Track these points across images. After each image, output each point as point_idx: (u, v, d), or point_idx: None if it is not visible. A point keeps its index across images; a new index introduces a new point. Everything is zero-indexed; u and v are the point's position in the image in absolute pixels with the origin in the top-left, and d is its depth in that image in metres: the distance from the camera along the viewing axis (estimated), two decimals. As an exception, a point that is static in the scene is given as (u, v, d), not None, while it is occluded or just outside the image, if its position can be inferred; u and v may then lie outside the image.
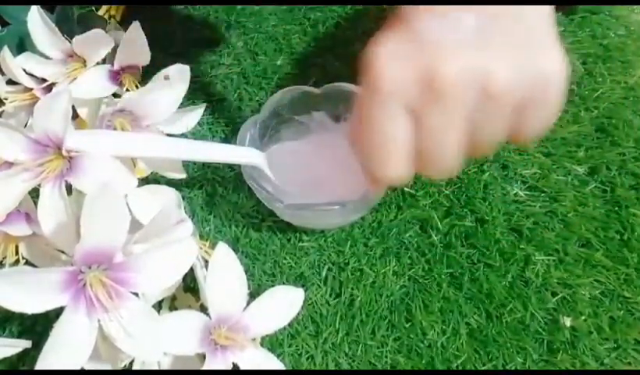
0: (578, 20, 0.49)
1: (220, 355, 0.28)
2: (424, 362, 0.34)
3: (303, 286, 0.35)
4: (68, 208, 0.28)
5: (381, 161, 0.26)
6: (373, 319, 0.36)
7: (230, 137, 0.43)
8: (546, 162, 0.41)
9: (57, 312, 0.25)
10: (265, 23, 0.49)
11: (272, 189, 0.34)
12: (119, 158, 0.29)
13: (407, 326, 0.35)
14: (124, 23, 0.42)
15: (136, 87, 0.36)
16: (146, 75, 0.37)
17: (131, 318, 0.26)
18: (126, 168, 0.29)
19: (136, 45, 0.36)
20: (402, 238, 0.38)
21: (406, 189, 0.40)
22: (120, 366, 0.28)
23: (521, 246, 0.38)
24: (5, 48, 0.34)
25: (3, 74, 0.36)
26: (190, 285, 0.33)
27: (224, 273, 0.29)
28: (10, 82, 0.36)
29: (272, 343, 0.35)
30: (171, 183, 0.37)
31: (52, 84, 0.36)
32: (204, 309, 0.29)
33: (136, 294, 0.26)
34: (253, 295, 0.30)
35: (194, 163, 0.41)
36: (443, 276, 0.37)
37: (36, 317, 0.29)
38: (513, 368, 0.34)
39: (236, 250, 0.31)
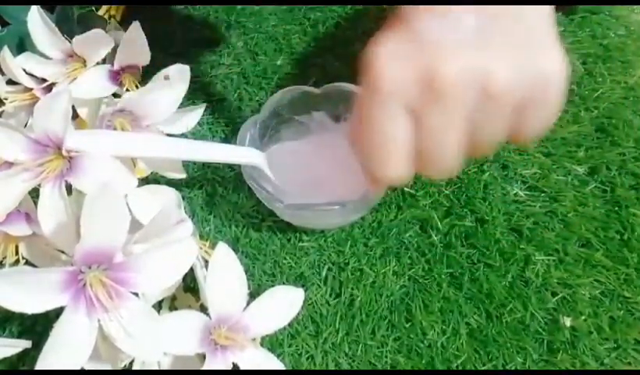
0: (578, 20, 0.49)
1: (220, 355, 0.28)
2: (424, 362, 0.34)
3: (303, 286, 0.35)
4: (68, 208, 0.28)
5: (381, 161, 0.26)
6: (373, 319, 0.36)
7: (230, 137, 0.43)
8: (546, 162, 0.41)
9: (57, 312, 0.25)
10: (265, 23, 0.49)
11: (272, 189, 0.34)
12: (119, 158, 0.29)
13: (407, 326, 0.35)
14: (124, 23, 0.42)
15: (136, 87, 0.36)
16: (146, 75, 0.37)
17: (131, 318, 0.26)
18: (126, 168, 0.29)
19: (136, 45, 0.36)
20: (402, 238, 0.38)
21: (406, 189, 0.40)
22: (120, 366, 0.28)
23: (521, 246, 0.38)
24: (5, 48, 0.34)
25: (3, 74, 0.36)
26: (190, 285, 0.33)
27: (224, 273, 0.29)
28: (10, 82, 0.36)
29: (272, 343, 0.35)
30: (171, 183, 0.37)
31: (52, 84, 0.36)
32: (204, 309, 0.29)
33: (136, 294, 0.26)
34: (253, 295, 0.30)
35: (194, 163, 0.41)
36: (443, 276, 0.37)
37: (36, 317, 0.29)
38: (513, 368, 0.34)
39: (236, 250, 0.31)
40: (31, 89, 0.35)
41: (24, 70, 0.35)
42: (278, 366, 0.30)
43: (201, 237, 0.36)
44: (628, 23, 0.49)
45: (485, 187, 0.40)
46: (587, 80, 0.45)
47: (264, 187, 0.34)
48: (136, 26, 0.35)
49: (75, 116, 0.35)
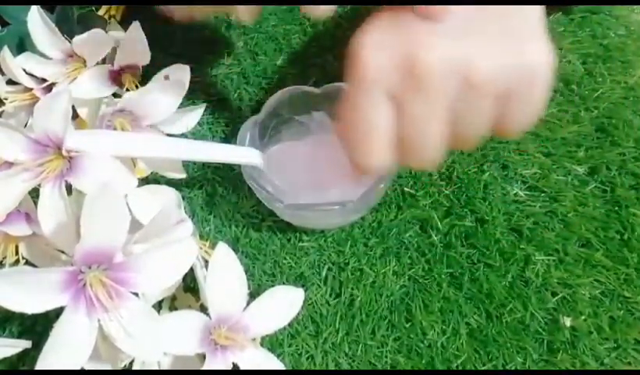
0: (578, 20, 0.48)
1: (220, 355, 0.28)
2: (424, 362, 0.34)
3: (303, 286, 0.35)
4: (68, 208, 0.28)
5: (364, 149, 0.26)
6: (373, 319, 0.36)
7: (230, 137, 0.43)
8: (546, 162, 0.41)
9: (57, 312, 0.25)
10: (265, 23, 0.49)
11: (272, 189, 0.34)
12: (119, 158, 0.29)
13: (407, 326, 0.35)
14: (124, 23, 0.42)
15: (136, 87, 0.36)
16: (146, 75, 0.37)
17: (131, 318, 0.26)
18: (126, 168, 0.29)
19: (136, 45, 0.36)
20: (402, 238, 0.38)
21: (406, 189, 0.40)
22: (120, 366, 0.28)
23: (521, 246, 0.38)
24: (5, 48, 0.34)
25: (3, 74, 0.36)
26: (190, 285, 0.34)
27: (224, 273, 0.29)
28: (10, 82, 0.36)
29: (272, 343, 0.35)
30: (171, 183, 0.37)
31: (52, 84, 0.36)
32: (204, 309, 0.29)
33: (136, 294, 0.26)
34: (253, 295, 0.30)
35: (194, 163, 0.41)
36: (443, 276, 0.37)
37: (36, 317, 0.29)
38: (513, 368, 0.34)
39: (236, 250, 0.31)
40: (31, 89, 0.35)
41: (24, 70, 0.35)
42: (278, 366, 0.30)
43: (201, 237, 0.36)
44: (628, 23, 0.49)
45: (485, 187, 0.40)
46: (587, 80, 0.45)
47: (264, 187, 0.34)
48: (136, 26, 0.35)
49: (75, 116, 0.35)
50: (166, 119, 0.35)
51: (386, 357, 0.34)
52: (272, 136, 0.38)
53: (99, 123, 0.34)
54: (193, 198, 0.40)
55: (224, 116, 0.44)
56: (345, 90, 0.26)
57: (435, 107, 0.24)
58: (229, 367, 0.28)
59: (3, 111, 0.36)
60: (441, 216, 0.39)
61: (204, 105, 0.40)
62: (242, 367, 0.29)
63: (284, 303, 0.31)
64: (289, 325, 0.32)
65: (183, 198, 0.35)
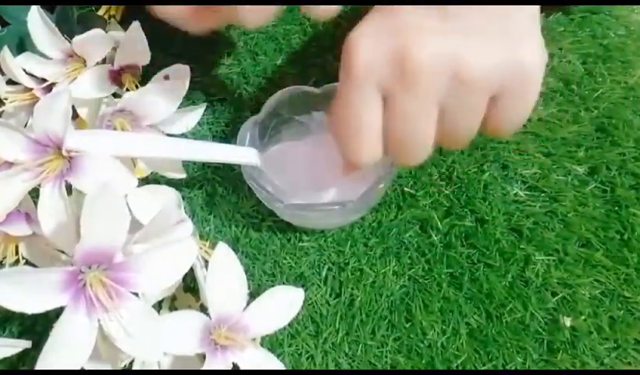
0: (578, 20, 0.48)
1: (220, 355, 0.28)
2: (424, 362, 0.34)
3: (303, 286, 0.35)
4: (68, 208, 0.28)
5: (355, 145, 0.26)
6: (373, 319, 0.36)
7: (230, 137, 0.43)
8: (546, 162, 0.41)
9: (57, 312, 0.25)
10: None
11: (272, 189, 0.34)
12: (119, 158, 0.29)
13: (407, 326, 0.35)
14: (124, 23, 0.42)
15: (136, 87, 0.36)
16: (146, 75, 0.37)
17: (131, 318, 0.26)
18: (126, 168, 0.29)
19: (136, 45, 0.36)
20: (402, 238, 0.38)
21: (406, 189, 0.40)
22: (120, 366, 0.28)
23: (521, 246, 0.38)
24: (5, 48, 0.34)
25: (3, 74, 0.36)
26: (190, 285, 0.33)
27: (224, 273, 0.29)
28: (10, 82, 0.36)
29: (272, 343, 0.35)
30: (171, 183, 0.37)
31: (52, 84, 0.36)
32: (204, 309, 0.29)
33: (136, 294, 0.26)
34: (253, 295, 0.30)
35: (194, 163, 0.41)
36: (443, 276, 0.37)
37: (36, 317, 0.29)
38: (513, 368, 0.34)
39: (236, 250, 0.31)
40: (31, 89, 0.35)
41: (24, 70, 0.35)
42: (278, 366, 0.30)
43: (201, 237, 0.36)
44: (628, 23, 0.49)
45: (485, 187, 0.40)
46: (587, 80, 0.45)
47: (264, 187, 0.34)
48: (136, 26, 0.35)
49: (75, 116, 0.35)
50: (166, 119, 0.35)
51: (386, 357, 0.34)
52: (272, 136, 0.38)
53: (99, 123, 0.34)
54: (193, 198, 0.40)
55: (224, 116, 0.44)
56: (338, 86, 0.26)
57: (425, 103, 0.24)
58: (229, 367, 0.28)
59: (3, 111, 0.36)
60: (441, 216, 0.39)
61: (204, 105, 0.40)
62: (242, 367, 0.29)
63: (284, 303, 0.31)
64: (289, 325, 0.32)
65: (183, 198, 0.35)
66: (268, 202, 0.35)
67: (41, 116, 0.29)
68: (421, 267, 0.37)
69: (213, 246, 0.30)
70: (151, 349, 0.26)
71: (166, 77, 0.36)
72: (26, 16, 0.35)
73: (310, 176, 0.36)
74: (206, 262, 0.30)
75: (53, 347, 0.25)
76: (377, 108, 0.25)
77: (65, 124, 0.28)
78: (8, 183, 0.28)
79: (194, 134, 0.42)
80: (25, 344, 0.30)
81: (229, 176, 0.41)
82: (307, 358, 0.35)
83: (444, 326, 0.35)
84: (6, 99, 0.35)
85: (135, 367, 0.29)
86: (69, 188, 0.29)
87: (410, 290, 0.37)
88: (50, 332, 0.25)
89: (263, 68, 0.46)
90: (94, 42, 0.35)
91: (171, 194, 0.33)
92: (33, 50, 0.36)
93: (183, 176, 0.38)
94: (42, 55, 0.36)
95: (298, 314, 0.31)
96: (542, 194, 0.40)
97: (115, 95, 0.37)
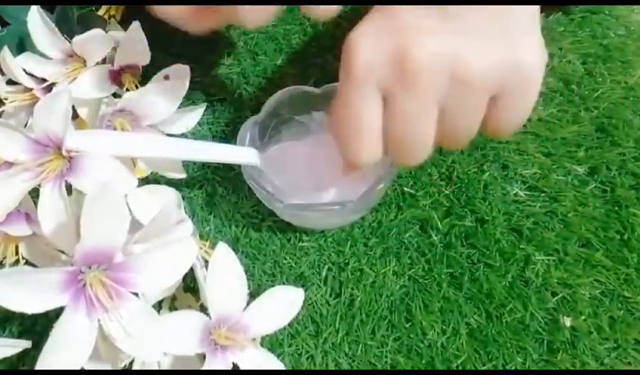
0: (578, 20, 0.48)
1: (220, 355, 0.28)
2: (424, 362, 0.34)
3: (303, 286, 0.35)
4: (68, 208, 0.28)
5: (355, 144, 0.26)
6: (373, 319, 0.36)
7: (230, 137, 0.43)
8: (546, 162, 0.41)
9: (57, 312, 0.25)
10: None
11: (272, 189, 0.34)
12: (119, 158, 0.29)
13: (407, 326, 0.35)
14: (124, 23, 0.42)
15: (136, 87, 0.36)
16: (146, 75, 0.37)
17: (131, 318, 0.26)
18: (126, 168, 0.29)
19: (136, 45, 0.36)
20: (402, 238, 0.38)
21: (406, 189, 0.40)
22: (120, 366, 0.28)
23: (521, 246, 0.38)
24: (5, 48, 0.34)
25: (3, 74, 0.36)
26: (190, 285, 0.33)
27: (224, 273, 0.29)
28: (10, 82, 0.36)
29: (272, 343, 0.35)
30: (171, 183, 0.37)
31: (52, 84, 0.36)
32: (204, 309, 0.29)
33: (136, 294, 0.26)
34: (253, 295, 0.30)
35: (194, 163, 0.41)
36: (443, 276, 0.37)
37: (36, 317, 0.29)
38: (513, 368, 0.34)
39: (236, 250, 0.31)
40: (31, 89, 0.35)
41: (24, 70, 0.35)
42: (278, 366, 0.30)
43: (201, 237, 0.36)
44: (628, 23, 0.49)
45: (485, 187, 0.40)
46: (587, 80, 0.45)
47: (264, 187, 0.34)
48: (136, 26, 0.35)
49: (75, 116, 0.35)
50: (166, 119, 0.35)
51: (386, 357, 0.34)
52: (272, 136, 0.38)
53: (99, 123, 0.34)
54: (193, 198, 0.40)
55: (224, 116, 0.44)
56: (337, 86, 0.26)
57: (424, 103, 0.24)
58: (229, 367, 0.28)
59: (3, 111, 0.36)
60: (441, 216, 0.39)
61: (204, 105, 0.40)
62: (242, 367, 0.29)
63: (284, 303, 0.31)
64: (289, 325, 0.32)
65: (183, 198, 0.35)
66: (268, 202, 0.35)
67: (41, 116, 0.29)
68: (421, 267, 0.37)
69: (213, 246, 0.30)
70: (151, 349, 0.26)
71: (166, 77, 0.36)
72: (26, 16, 0.35)
73: (310, 176, 0.36)
74: (206, 262, 0.30)
75: (53, 347, 0.25)
76: (377, 108, 0.25)
77: (65, 124, 0.28)
78: (8, 183, 0.28)
79: (194, 134, 0.42)
80: (25, 344, 0.30)
81: (229, 176, 0.41)
82: (307, 358, 0.35)
83: (444, 326, 0.35)
84: (6, 99, 0.35)
85: (135, 367, 0.29)
86: (69, 188, 0.29)
87: (410, 290, 0.37)
88: (50, 332, 0.25)
89: (263, 68, 0.46)
90: (94, 42, 0.35)
91: (171, 194, 0.33)
92: (33, 50, 0.36)
93: (183, 176, 0.38)
94: (42, 55, 0.36)
95: (298, 314, 0.31)
96: (542, 194, 0.40)
97: (115, 95, 0.37)
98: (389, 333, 0.35)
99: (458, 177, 0.40)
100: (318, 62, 0.46)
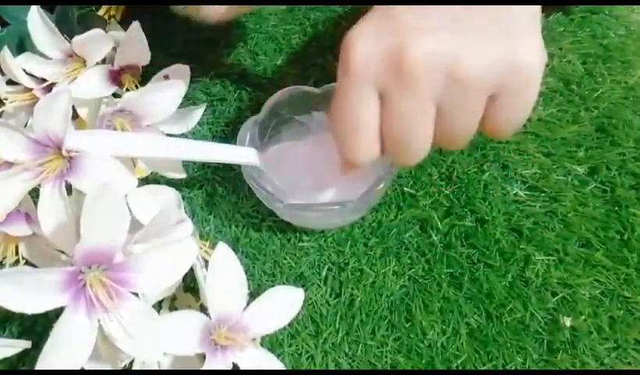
0: (578, 20, 0.49)
1: (220, 355, 0.28)
2: (424, 362, 0.34)
3: (303, 286, 0.35)
4: (68, 208, 0.28)
5: (352, 143, 0.26)
6: (373, 319, 0.36)
7: (230, 137, 0.43)
8: (546, 162, 0.41)
9: (57, 312, 0.25)
10: (265, 23, 0.49)
11: (272, 189, 0.34)
12: (119, 158, 0.29)
13: (407, 326, 0.35)
14: (124, 23, 0.42)
15: (136, 87, 0.36)
16: (146, 75, 0.37)
17: (131, 318, 0.26)
18: (126, 168, 0.29)
19: (136, 45, 0.36)
20: (402, 238, 0.38)
21: (406, 189, 0.40)
22: (120, 366, 0.28)
23: (521, 246, 0.38)
24: (5, 48, 0.34)
25: (3, 74, 0.36)
26: (190, 285, 0.33)
27: (224, 273, 0.29)
28: (10, 82, 0.36)
29: (272, 343, 0.35)
30: (171, 183, 0.37)
31: (52, 84, 0.36)
32: (204, 309, 0.29)
33: (136, 294, 0.26)
34: (253, 295, 0.30)
35: (194, 163, 0.41)
36: (443, 276, 0.37)
37: (36, 317, 0.29)
38: (513, 368, 0.34)
39: (236, 250, 0.31)
40: (31, 89, 0.35)
41: (24, 70, 0.35)
42: (278, 366, 0.30)
43: (201, 237, 0.36)
44: (628, 23, 0.49)
45: (485, 187, 0.40)
46: (587, 80, 0.45)
47: (264, 187, 0.34)
48: (136, 26, 0.35)
49: (75, 116, 0.35)
50: (166, 119, 0.35)
51: (386, 357, 0.34)
52: (272, 136, 0.38)
53: (99, 123, 0.34)
54: (193, 198, 0.40)
55: (224, 116, 0.44)
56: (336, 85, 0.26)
57: (421, 102, 0.24)
58: (229, 367, 0.28)
59: (3, 111, 0.36)
60: (441, 216, 0.39)
61: (204, 105, 0.40)
62: (242, 367, 0.29)
63: (284, 303, 0.31)
64: (289, 325, 0.32)
65: (183, 198, 0.35)
66: (268, 202, 0.35)
67: (41, 116, 0.29)
68: (421, 267, 0.37)
69: (213, 246, 0.30)
70: (151, 349, 0.26)
71: (166, 77, 0.36)
72: (26, 16, 0.35)
73: (310, 176, 0.36)
74: (206, 262, 0.30)
75: (53, 347, 0.25)
76: (374, 106, 0.25)
77: (65, 124, 0.28)
78: (8, 183, 0.28)
79: (194, 134, 0.42)
80: (25, 344, 0.30)
81: (229, 176, 0.41)
82: (307, 358, 0.35)
83: (444, 326, 0.35)
84: (6, 99, 0.35)
85: (135, 367, 0.29)
86: (69, 188, 0.29)
87: (410, 290, 0.37)
88: (50, 332, 0.25)
89: (263, 68, 0.46)
90: (94, 42, 0.35)
91: (171, 194, 0.33)
92: (33, 50, 0.36)
93: (183, 176, 0.38)
94: (42, 55, 0.36)
95: (298, 314, 0.31)
96: (542, 194, 0.40)
97: (115, 95, 0.37)
98: (389, 333, 0.35)
99: (458, 177, 0.40)
100: (318, 62, 0.46)
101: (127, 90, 0.36)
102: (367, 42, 0.24)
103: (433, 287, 0.36)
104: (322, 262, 0.38)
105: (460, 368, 0.34)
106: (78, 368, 0.25)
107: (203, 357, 0.28)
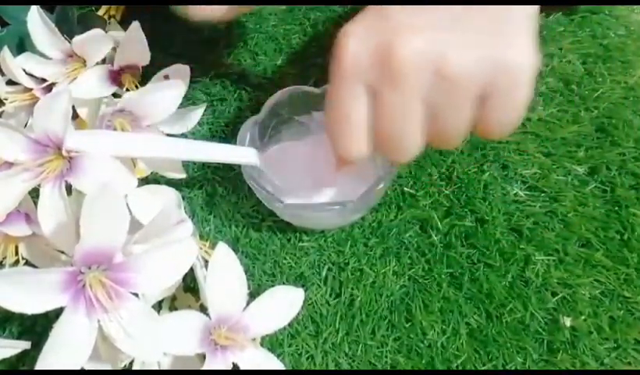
0: (578, 20, 0.48)
1: (220, 355, 0.28)
2: (424, 362, 0.34)
3: (303, 286, 0.35)
4: (68, 208, 0.28)
5: (344, 140, 0.26)
6: (373, 319, 0.36)
7: (230, 137, 0.43)
8: (546, 162, 0.41)
9: (57, 312, 0.25)
10: (265, 23, 0.49)
11: (272, 189, 0.34)
12: (118, 158, 0.29)
13: (407, 326, 0.35)
14: (124, 23, 0.42)
15: (136, 87, 0.36)
16: (146, 75, 0.37)
17: (131, 318, 0.26)
18: (126, 168, 0.29)
19: (136, 45, 0.36)
20: (402, 238, 0.38)
21: (406, 189, 0.40)
22: (120, 366, 0.28)
23: (521, 246, 0.38)
24: (5, 48, 0.34)
25: (3, 74, 0.36)
26: (190, 285, 0.33)
27: (224, 273, 0.29)
28: (10, 82, 0.36)
29: (272, 343, 0.35)
30: (171, 183, 0.37)
31: (52, 84, 0.36)
32: (204, 309, 0.29)
33: (136, 295, 0.26)
34: (253, 295, 0.30)
35: (194, 163, 0.41)
36: (443, 276, 0.37)
37: (36, 317, 0.29)
38: (513, 368, 0.34)
39: (236, 250, 0.31)
40: (31, 89, 0.35)
41: (24, 70, 0.35)
42: (278, 366, 0.30)
43: (201, 237, 0.36)
44: (628, 23, 0.49)
45: (485, 187, 0.40)
46: (587, 80, 0.45)
47: (264, 187, 0.34)
48: (136, 26, 0.35)
49: (75, 116, 0.35)
50: (166, 119, 0.35)
51: (386, 357, 0.34)
52: (272, 136, 0.38)
53: (99, 123, 0.34)
54: (193, 198, 0.40)
55: (224, 116, 0.44)
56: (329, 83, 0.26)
57: (410, 100, 0.24)
58: (229, 367, 0.28)
59: (3, 111, 0.36)
60: (441, 216, 0.39)
61: (204, 105, 0.40)
62: (242, 367, 0.29)
63: (284, 303, 0.31)
64: (289, 325, 0.32)
65: (183, 198, 0.35)
66: (268, 202, 0.35)
67: (41, 116, 0.29)
68: (421, 267, 0.37)
69: (213, 246, 0.30)
70: (151, 349, 0.26)
71: (166, 77, 0.36)
72: (26, 16, 0.35)
73: (310, 176, 0.36)
74: (206, 262, 0.30)
75: (53, 347, 0.25)
76: (364, 104, 0.25)
77: (65, 124, 0.28)
78: (8, 183, 0.28)
79: (194, 134, 0.42)
80: (25, 344, 0.30)
81: (229, 176, 0.41)
82: (307, 358, 0.35)
83: (444, 326, 0.35)
84: (6, 99, 0.35)
85: (135, 367, 0.29)
86: (69, 188, 0.29)
87: (410, 290, 0.37)
88: (50, 332, 0.25)
89: (263, 68, 0.46)
90: (94, 42, 0.35)
91: (171, 194, 0.33)
92: (33, 50, 0.36)
93: (183, 176, 0.38)
94: (42, 55, 0.36)
95: (298, 314, 0.31)
96: (542, 194, 0.40)
97: (115, 95, 0.37)
98: (389, 333, 0.35)
99: (458, 177, 0.40)
100: (318, 62, 0.46)
101: (127, 90, 0.36)
102: (358, 41, 0.24)
103: (433, 287, 0.36)
104: (322, 262, 0.38)
105: (460, 368, 0.34)
106: (78, 368, 0.25)
107: (203, 357, 0.28)
